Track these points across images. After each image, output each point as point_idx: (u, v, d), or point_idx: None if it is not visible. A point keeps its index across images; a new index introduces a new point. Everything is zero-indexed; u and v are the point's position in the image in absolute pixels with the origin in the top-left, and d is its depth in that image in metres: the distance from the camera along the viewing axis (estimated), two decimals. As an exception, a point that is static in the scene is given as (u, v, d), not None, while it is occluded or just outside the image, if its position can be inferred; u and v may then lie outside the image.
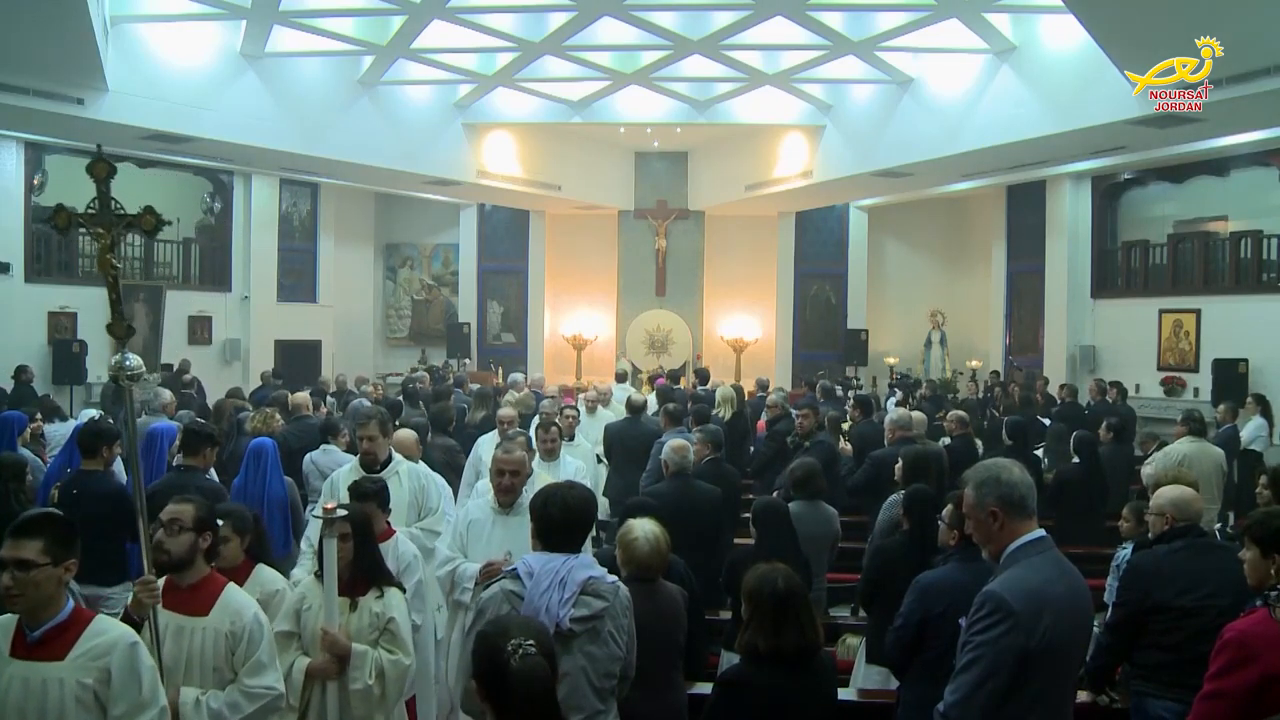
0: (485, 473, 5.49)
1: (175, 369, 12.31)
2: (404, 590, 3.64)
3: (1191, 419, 7.31)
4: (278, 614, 3.49)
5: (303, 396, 8.06)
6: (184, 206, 14.71)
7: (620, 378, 12.14)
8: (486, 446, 6.22)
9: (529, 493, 4.17)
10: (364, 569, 3.50)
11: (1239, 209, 12.44)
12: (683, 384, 13.49)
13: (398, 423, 8.03)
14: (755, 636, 2.94)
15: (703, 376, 12.59)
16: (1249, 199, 12.25)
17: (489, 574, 3.91)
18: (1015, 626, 2.44)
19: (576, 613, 2.89)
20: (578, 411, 7.44)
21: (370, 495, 4.02)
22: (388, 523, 4.16)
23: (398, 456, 5.05)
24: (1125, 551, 4.61)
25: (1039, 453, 8.04)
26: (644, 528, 3.40)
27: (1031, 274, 14.78)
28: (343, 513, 3.37)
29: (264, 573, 3.69)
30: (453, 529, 4.36)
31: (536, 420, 6.82)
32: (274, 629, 3.37)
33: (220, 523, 3.40)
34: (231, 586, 3.19)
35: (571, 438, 7.03)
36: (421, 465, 5.24)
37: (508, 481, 4.23)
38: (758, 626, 2.94)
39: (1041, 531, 2.63)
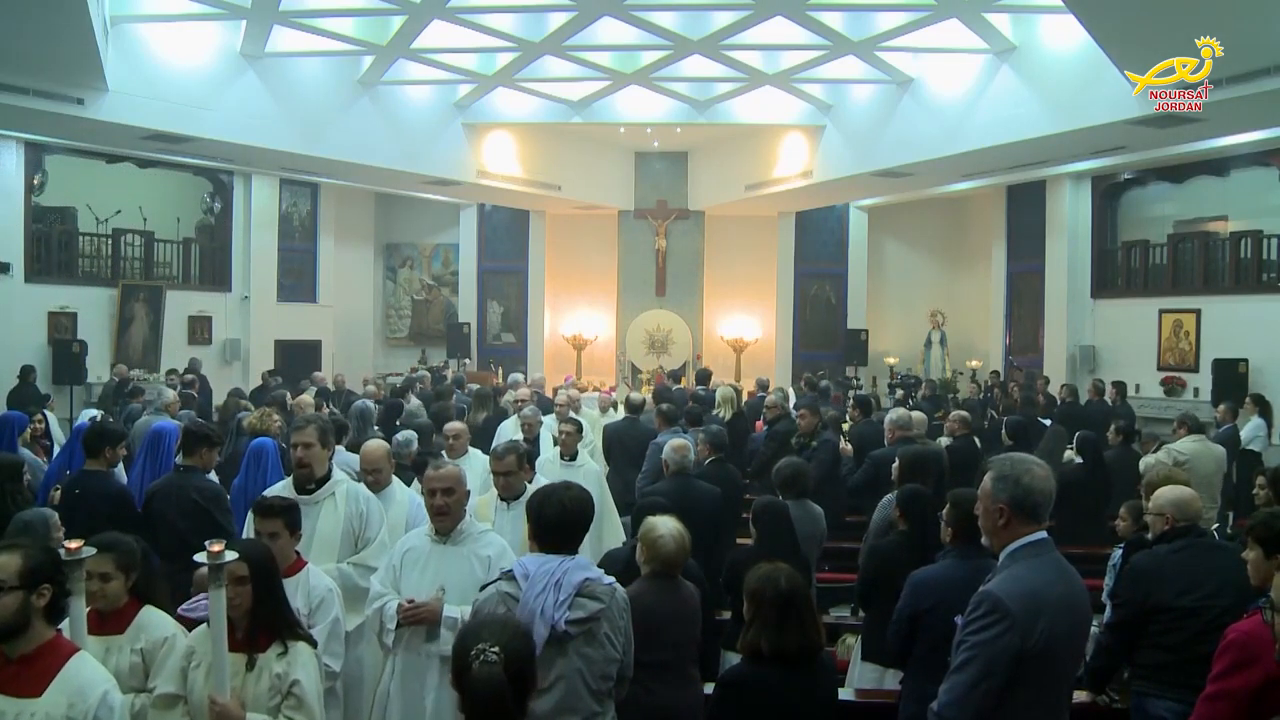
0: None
1: (185, 369, 12.32)
2: (314, 644, 3.05)
3: (1188, 418, 7.33)
4: (164, 667, 2.95)
5: (307, 398, 8.11)
6: (184, 206, 14.72)
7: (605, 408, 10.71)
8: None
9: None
10: (265, 620, 2.90)
11: (1239, 209, 12.43)
12: (683, 384, 13.43)
13: (399, 422, 8.10)
14: (758, 636, 2.95)
15: (703, 377, 12.51)
16: (1249, 199, 12.24)
17: (410, 617, 3.45)
18: (1012, 627, 2.44)
19: (572, 615, 2.89)
20: (578, 424, 6.64)
21: (276, 513, 3.45)
22: (296, 551, 3.53)
23: (339, 475, 4.32)
24: (1120, 551, 4.60)
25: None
26: (668, 525, 3.46)
27: (1031, 274, 14.76)
28: (231, 555, 2.70)
29: (151, 615, 3.13)
30: (387, 560, 3.78)
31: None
32: (157, 689, 2.89)
33: (104, 555, 2.96)
34: (80, 657, 2.54)
35: (574, 456, 6.30)
36: (363, 488, 4.42)
37: (439, 502, 3.59)
38: (760, 626, 2.95)
39: (1043, 533, 2.63)
